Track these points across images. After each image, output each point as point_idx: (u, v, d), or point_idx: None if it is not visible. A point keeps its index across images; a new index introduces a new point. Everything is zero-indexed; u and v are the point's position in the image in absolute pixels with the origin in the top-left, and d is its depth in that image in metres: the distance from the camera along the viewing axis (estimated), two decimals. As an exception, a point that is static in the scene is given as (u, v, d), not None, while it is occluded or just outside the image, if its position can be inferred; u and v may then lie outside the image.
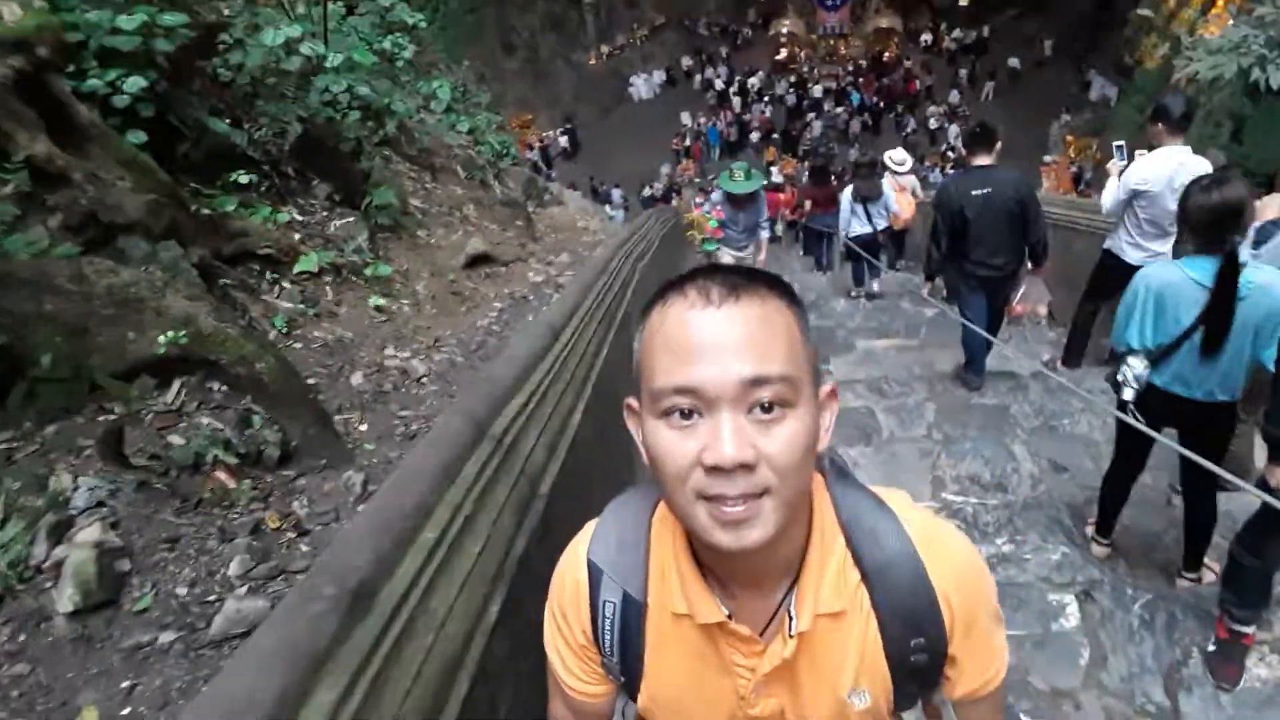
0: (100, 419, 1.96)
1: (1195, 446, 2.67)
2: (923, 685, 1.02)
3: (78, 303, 1.99)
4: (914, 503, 1.05)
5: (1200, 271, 2.77)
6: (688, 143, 26.73)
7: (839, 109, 27.19)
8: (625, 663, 1.04)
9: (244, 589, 1.64)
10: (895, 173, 8.19)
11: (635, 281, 4.35)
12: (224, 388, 2.15)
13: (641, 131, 27.41)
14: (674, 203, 17.42)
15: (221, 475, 1.95)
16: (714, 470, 0.81)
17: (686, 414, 0.83)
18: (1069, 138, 20.13)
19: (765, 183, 7.97)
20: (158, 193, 2.69)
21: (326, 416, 2.28)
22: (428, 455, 1.56)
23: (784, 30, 30.88)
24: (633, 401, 0.95)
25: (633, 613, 1.02)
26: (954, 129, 22.80)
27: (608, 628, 1.03)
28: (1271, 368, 2.59)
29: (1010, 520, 3.67)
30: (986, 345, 5.02)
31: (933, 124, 24.07)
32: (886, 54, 29.55)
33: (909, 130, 24.03)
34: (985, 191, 4.79)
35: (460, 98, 7.24)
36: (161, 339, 2.01)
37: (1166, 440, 2.80)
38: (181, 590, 1.63)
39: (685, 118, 27.80)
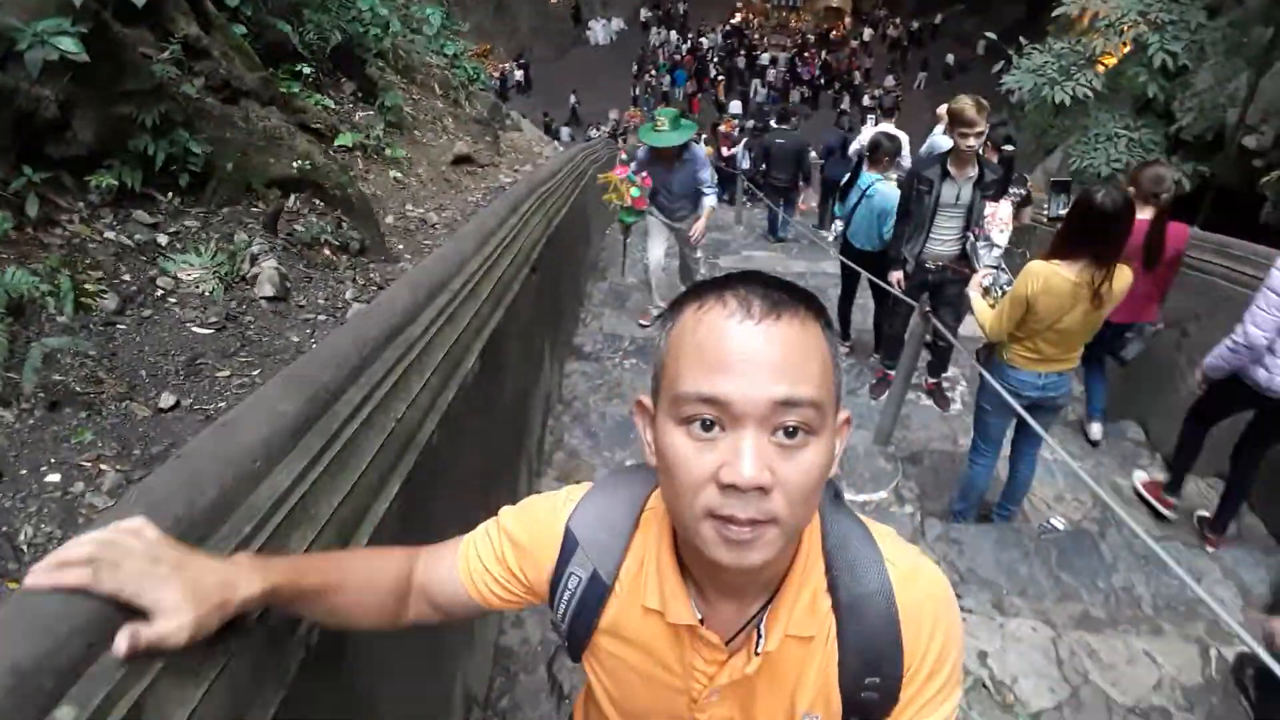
0: (253, 209, 3.15)
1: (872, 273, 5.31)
2: None
3: (244, 135, 3.17)
4: (902, 541, 1.05)
5: (863, 179, 5.49)
6: (639, 92, 27.72)
7: (784, 73, 28.66)
8: (572, 633, 1.07)
9: (356, 304, 2.89)
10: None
11: (591, 173, 6.88)
12: (322, 203, 3.35)
13: (595, 75, 28.22)
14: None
15: (328, 251, 3.17)
16: (729, 489, 0.80)
17: (708, 426, 0.82)
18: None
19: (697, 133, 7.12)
20: (258, 71, 3.82)
21: (382, 233, 3.51)
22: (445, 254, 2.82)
23: (741, -6, 32.05)
24: (645, 399, 0.94)
25: (595, 593, 1.04)
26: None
27: (566, 598, 1.05)
28: (886, 237, 5.04)
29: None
30: None
31: (866, 101, 25.64)
32: (834, 32, 30.98)
33: (843, 108, 25.54)
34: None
35: (447, 24, 8.23)
36: (293, 165, 3.20)
37: (854, 266, 5.50)
38: (320, 300, 2.87)
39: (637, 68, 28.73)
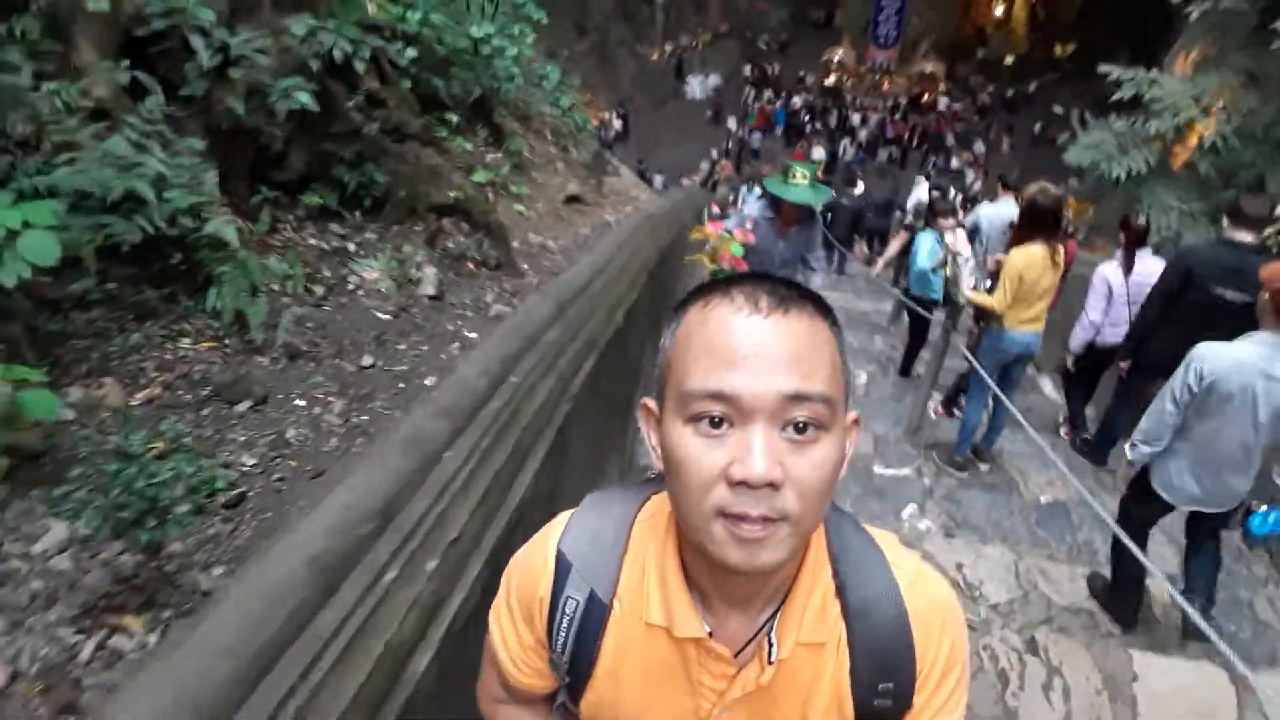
0: (416, 228, 3.92)
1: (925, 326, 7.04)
2: None
3: (412, 169, 3.96)
4: (902, 545, 1.04)
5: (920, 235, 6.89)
6: (731, 145, 28.67)
7: (874, 131, 29.29)
8: (574, 665, 1.02)
9: (495, 305, 3.60)
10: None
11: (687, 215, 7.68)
12: (468, 226, 4.11)
13: (689, 127, 29.37)
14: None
15: (471, 265, 3.91)
16: (739, 486, 0.79)
17: (717, 422, 0.81)
18: (1071, 200, 22.13)
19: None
20: (419, 119, 4.65)
21: (512, 254, 4.25)
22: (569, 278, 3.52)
23: (835, 58, 32.90)
24: (649, 402, 0.93)
25: (595, 614, 1.00)
26: (971, 174, 24.78)
27: (564, 625, 1.01)
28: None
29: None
30: None
31: (954, 164, 26.00)
32: (925, 96, 31.46)
33: (932, 169, 25.93)
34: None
35: (563, 80, 9.15)
36: (450, 194, 3.97)
37: (917, 309, 6.78)
38: (467, 300, 3.59)
39: (732, 123, 29.72)
